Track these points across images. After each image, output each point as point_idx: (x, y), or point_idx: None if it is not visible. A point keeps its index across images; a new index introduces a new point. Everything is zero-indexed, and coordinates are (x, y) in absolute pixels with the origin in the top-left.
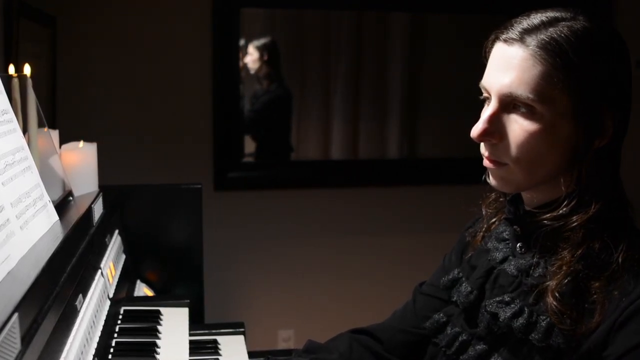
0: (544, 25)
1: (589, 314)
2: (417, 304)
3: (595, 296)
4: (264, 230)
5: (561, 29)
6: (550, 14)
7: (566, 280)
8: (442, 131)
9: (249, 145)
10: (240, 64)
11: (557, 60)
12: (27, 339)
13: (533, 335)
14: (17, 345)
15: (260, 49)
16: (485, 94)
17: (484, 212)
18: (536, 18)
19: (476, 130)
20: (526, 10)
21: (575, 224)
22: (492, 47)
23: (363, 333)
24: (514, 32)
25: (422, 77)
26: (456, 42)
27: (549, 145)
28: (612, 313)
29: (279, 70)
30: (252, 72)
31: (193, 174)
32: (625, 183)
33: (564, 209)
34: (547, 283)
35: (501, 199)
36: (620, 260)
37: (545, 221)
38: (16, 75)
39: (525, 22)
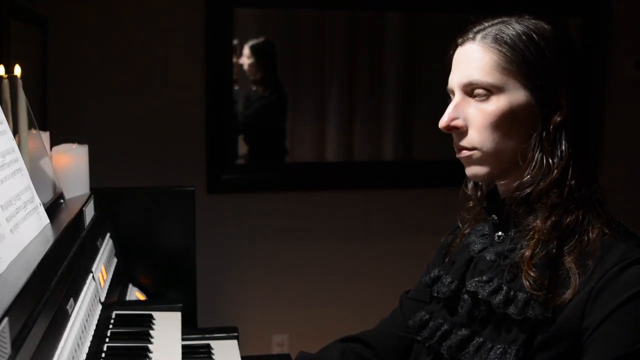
0: (492, 25)
1: (564, 283)
2: (405, 308)
3: (569, 266)
4: (258, 234)
5: (507, 25)
6: (500, 18)
7: (541, 253)
8: (438, 133)
9: (243, 147)
10: (234, 62)
11: (505, 46)
12: (17, 343)
13: (511, 309)
14: (8, 350)
15: (256, 51)
16: (451, 96)
17: (459, 221)
18: (487, 21)
19: (443, 120)
20: (522, 9)
21: (541, 187)
22: (452, 54)
23: (353, 341)
24: (468, 35)
25: (418, 78)
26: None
27: (510, 125)
28: (587, 283)
29: (275, 72)
30: (247, 74)
31: (186, 176)
32: (627, 184)
33: (527, 176)
34: (522, 251)
35: (477, 207)
36: (590, 231)
37: (514, 194)
38: (6, 76)
39: (478, 26)
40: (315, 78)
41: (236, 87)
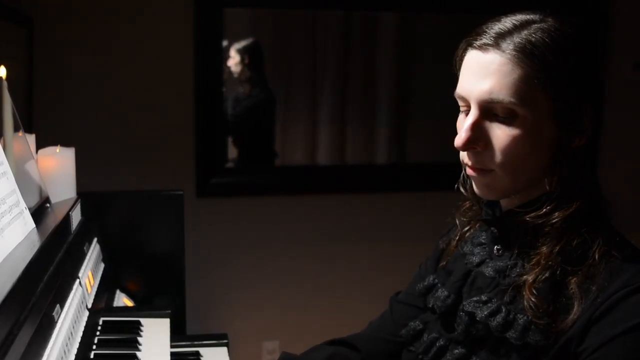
0: (516, 28)
1: (566, 309)
2: (395, 313)
3: (572, 291)
4: (248, 238)
5: (534, 31)
6: (520, 17)
7: (544, 276)
8: (432, 135)
9: (232, 151)
10: (223, 65)
11: (535, 62)
12: (2, 350)
13: (510, 333)
14: None
15: (242, 51)
16: (462, 104)
17: (457, 222)
18: (508, 22)
19: (460, 139)
20: (519, 9)
21: (557, 219)
22: (463, 55)
23: (340, 344)
24: (487, 38)
25: (412, 80)
26: (448, 43)
27: (532, 148)
28: (589, 308)
29: (262, 73)
30: (234, 75)
31: (174, 179)
32: (627, 185)
33: (547, 207)
34: (525, 277)
35: (474, 208)
36: (596, 255)
37: (527, 219)
38: None
39: (497, 27)
40: (306, 79)
41: (224, 89)
